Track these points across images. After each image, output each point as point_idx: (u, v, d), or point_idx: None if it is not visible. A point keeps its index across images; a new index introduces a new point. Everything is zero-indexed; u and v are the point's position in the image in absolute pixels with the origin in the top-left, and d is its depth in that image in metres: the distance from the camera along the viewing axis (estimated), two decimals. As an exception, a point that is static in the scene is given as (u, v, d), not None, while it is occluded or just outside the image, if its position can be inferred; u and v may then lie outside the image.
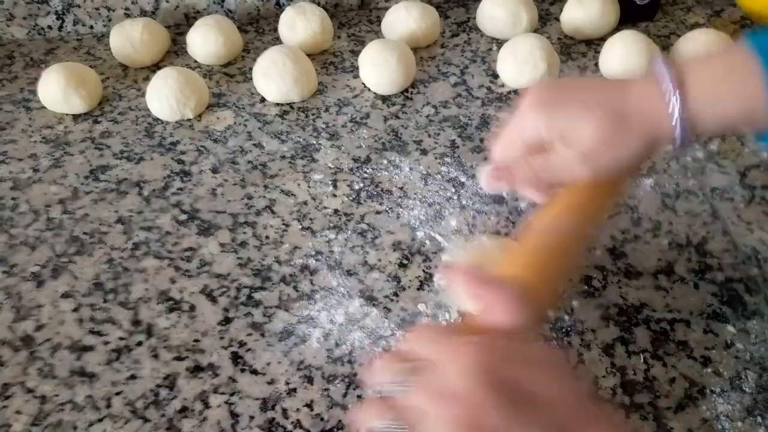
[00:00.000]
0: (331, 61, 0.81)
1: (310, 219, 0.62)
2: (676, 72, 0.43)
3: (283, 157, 0.68)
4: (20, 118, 0.74)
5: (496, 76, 0.78)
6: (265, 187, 0.65)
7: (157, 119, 0.73)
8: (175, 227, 0.61)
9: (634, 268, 0.57)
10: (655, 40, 0.78)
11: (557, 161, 0.46)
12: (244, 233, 0.60)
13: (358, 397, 0.48)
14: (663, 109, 0.43)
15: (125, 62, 0.80)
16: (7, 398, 0.49)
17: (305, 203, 0.63)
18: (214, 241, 0.60)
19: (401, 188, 0.64)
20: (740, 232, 0.59)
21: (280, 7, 0.88)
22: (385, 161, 0.67)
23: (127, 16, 0.86)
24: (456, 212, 0.61)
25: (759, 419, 0.46)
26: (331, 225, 0.61)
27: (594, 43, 0.82)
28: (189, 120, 0.73)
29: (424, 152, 0.68)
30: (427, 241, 0.59)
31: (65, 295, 0.56)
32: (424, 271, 0.57)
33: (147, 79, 0.77)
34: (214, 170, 0.67)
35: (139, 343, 0.52)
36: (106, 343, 0.52)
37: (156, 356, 0.51)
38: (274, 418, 0.47)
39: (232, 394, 0.49)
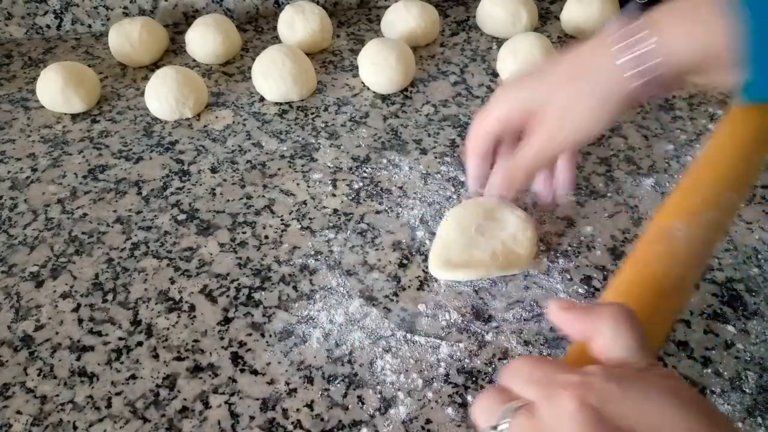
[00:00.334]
0: (330, 60, 0.81)
1: (310, 219, 0.61)
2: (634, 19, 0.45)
3: (282, 156, 0.68)
4: (18, 118, 0.74)
5: (496, 75, 0.78)
6: (265, 186, 0.65)
7: (155, 118, 0.73)
8: (174, 227, 0.61)
9: (634, 267, 0.57)
10: (655, 39, 0.78)
11: (526, 147, 0.50)
12: (244, 233, 0.60)
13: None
14: (613, 54, 0.45)
15: (124, 61, 0.80)
16: (7, 398, 0.49)
17: (304, 203, 0.63)
18: (213, 241, 0.60)
19: (401, 188, 0.64)
20: (740, 232, 0.59)
21: (279, 6, 0.88)
22: (384, 160, 0.67)
23: (126, 15, 0.85)
24: (456, 212, 0.61)
25: (759, 420, 0.46)
26: (331, 225, 0.61)
27: (594, 42, 0.82)
28: (188, 119, 0.73)
29: (423, 151, 0.68)
30: (427, 241, 0.59)
31: (64, 295, 0.56)
32: (424, 271, 0.56)
33: (146, 78, 0.77)
34: (213, 170, 0.67)
35: (139, 344, 0.52)
36: (106, 343, 0.52)
37: (156, 356, 0.51)
38: (274, 419, 0.47)
39: (232, 395, 0.49)
